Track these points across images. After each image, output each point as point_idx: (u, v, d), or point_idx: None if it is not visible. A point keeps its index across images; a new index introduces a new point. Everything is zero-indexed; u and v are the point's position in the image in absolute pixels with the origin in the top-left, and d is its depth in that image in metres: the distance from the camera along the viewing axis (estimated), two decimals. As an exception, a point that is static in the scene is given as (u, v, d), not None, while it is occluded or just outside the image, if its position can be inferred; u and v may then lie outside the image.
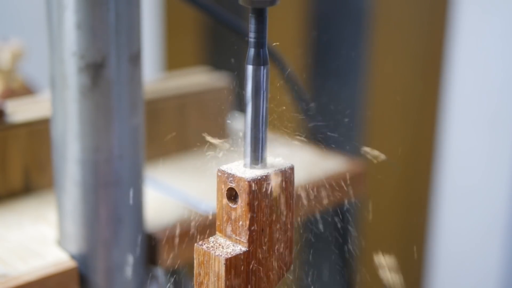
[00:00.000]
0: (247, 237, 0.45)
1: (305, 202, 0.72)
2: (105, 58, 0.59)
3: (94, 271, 0.64)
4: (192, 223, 0.70)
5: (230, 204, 0.45)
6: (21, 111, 0.77)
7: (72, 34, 0.58)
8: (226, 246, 0.45)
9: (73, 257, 0.64)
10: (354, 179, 0.87)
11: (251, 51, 0.45)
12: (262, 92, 0.45)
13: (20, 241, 0.66)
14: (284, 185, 0.46)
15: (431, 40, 1.55)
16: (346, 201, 0.86)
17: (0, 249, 0.65)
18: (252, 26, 0.45)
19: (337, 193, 0.83)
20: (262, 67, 0.45)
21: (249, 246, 0.45)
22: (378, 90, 1.67)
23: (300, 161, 0.88)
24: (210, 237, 0.47)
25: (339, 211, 0.86)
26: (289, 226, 0.47)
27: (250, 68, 0.45)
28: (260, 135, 0.46)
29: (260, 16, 0.45)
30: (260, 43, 0.45)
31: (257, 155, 0.46)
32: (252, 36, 0.45)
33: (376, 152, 0.57)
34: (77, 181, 0.62)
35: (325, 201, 0.83)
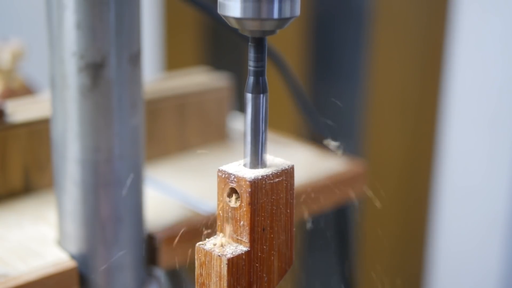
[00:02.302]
0: (248, 236, 0.45)
1: (305, 201, 0.72)
2: (105, 58, 0.59)
3: (94, 271, 0.64)
4: (193, 223, 0.70)
5: (231, 204, 0.45)
6: (21, 111, 0.77)
7: (72, 34, 0.58)
8: (227, 246, 0.45)
9: (73, 257, 0.64)
10: (354, 179, 0.87)
11: (251, 79, 0.45)
12: (261, 116, 0.46)
13: (20, 241, 0.66)
14: (284, 185, 0.46)
15: (431, 40, 1.55)
16: (346, 201, 0.86)
17: (0, 249, 0.65)
18: (251, 54, 0.45)
19: (337, 193, 0.83)
20: (261, 95, 0.45)
21: (250, 246, 0.45)
22: (378, 90, 1.67)
23: (300, 161, 0.88)
24: (211, 237, 0.47)
25: (339, 210, 0.86)
26: (290, 225, 0.47)
27: (249, 96, 0.45)
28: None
29: (260, 45, 0.45)
30: (259, 72, 0.45)
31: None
32: (251, 64, 0.45)
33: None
34: (77, 181, 0.62)
35: (325, 201, 0.83)
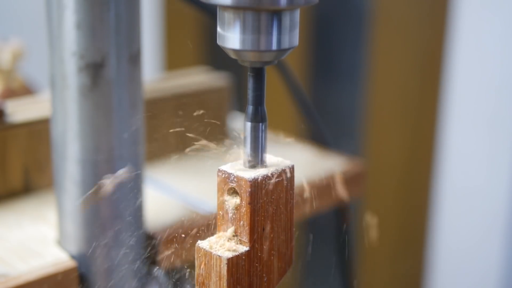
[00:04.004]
0: (248, 236, 0.45)
1: (305, 201, 0.72)
2: (105, 58, 0.59)
3: (94, 271, 0.64)
4: (193, 223, 0.70)
5: (231, 204, 0.45)
6: (21, 111, 0.77)
7: (72, 34, 0.58)
8: (227, 246, 0.45)
9: (73, 257, 0.63)
10: (354, 179, 0.87)
11: (250, 109, 0.45)
12: (261, 143, 0.46)
13: (20, 241, 0.66)
14: (284, 185, 0.46)
15: (431, 40, 1.55)
16: (345, 201, 0.86)
17: (0, 249, 0.65)
18: (250, 84, 0.45)
19: (337, 193, 0.83)
20: (260, 124, 0.45)
21: (250, 246, 0.45)
22: (378, 90, 1.67)
23: (300, 161, 0.88)
24: (211, 237, 0.47)
25: (339, 211, 0.86)
26: (290, 225, 0.47)
27: (249, 125, 0.45)
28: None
29: (259, 75, 0.45)
30: (258, 101, 0.45)
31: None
32: (250, 93, 0.45)
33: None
34: (77, 181, 0.62)
35: (325, 201, 0.83)
